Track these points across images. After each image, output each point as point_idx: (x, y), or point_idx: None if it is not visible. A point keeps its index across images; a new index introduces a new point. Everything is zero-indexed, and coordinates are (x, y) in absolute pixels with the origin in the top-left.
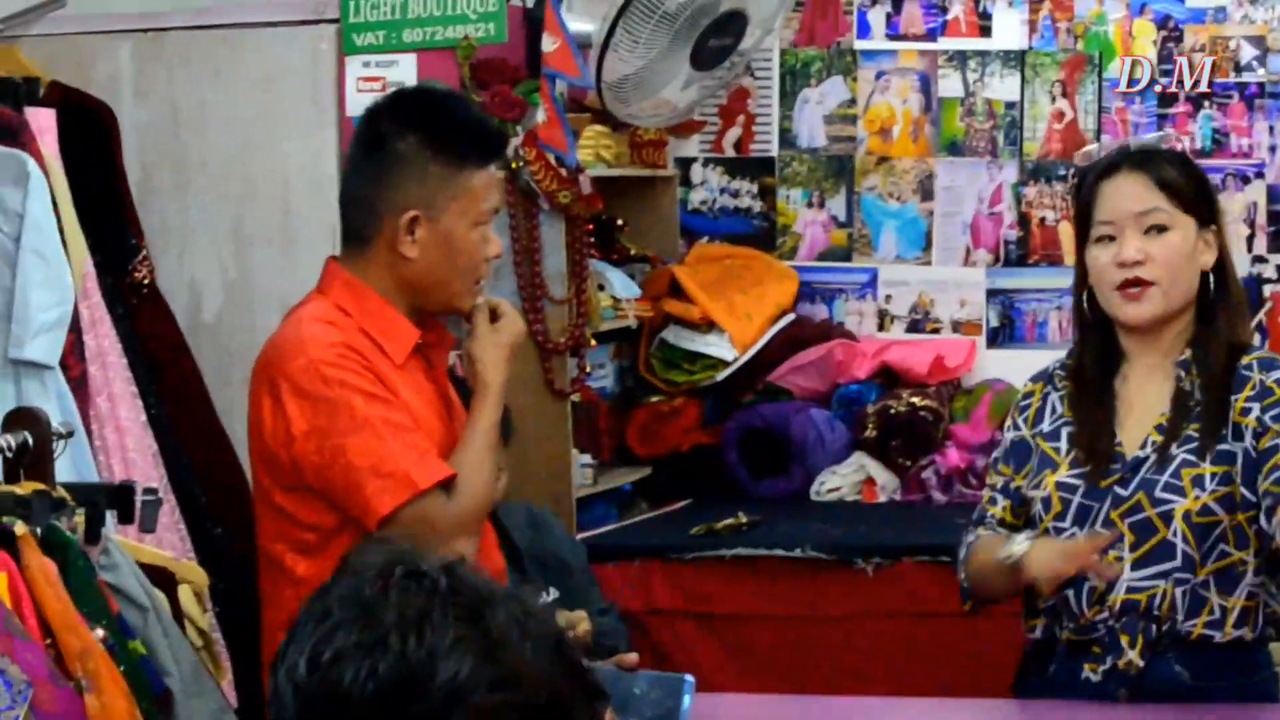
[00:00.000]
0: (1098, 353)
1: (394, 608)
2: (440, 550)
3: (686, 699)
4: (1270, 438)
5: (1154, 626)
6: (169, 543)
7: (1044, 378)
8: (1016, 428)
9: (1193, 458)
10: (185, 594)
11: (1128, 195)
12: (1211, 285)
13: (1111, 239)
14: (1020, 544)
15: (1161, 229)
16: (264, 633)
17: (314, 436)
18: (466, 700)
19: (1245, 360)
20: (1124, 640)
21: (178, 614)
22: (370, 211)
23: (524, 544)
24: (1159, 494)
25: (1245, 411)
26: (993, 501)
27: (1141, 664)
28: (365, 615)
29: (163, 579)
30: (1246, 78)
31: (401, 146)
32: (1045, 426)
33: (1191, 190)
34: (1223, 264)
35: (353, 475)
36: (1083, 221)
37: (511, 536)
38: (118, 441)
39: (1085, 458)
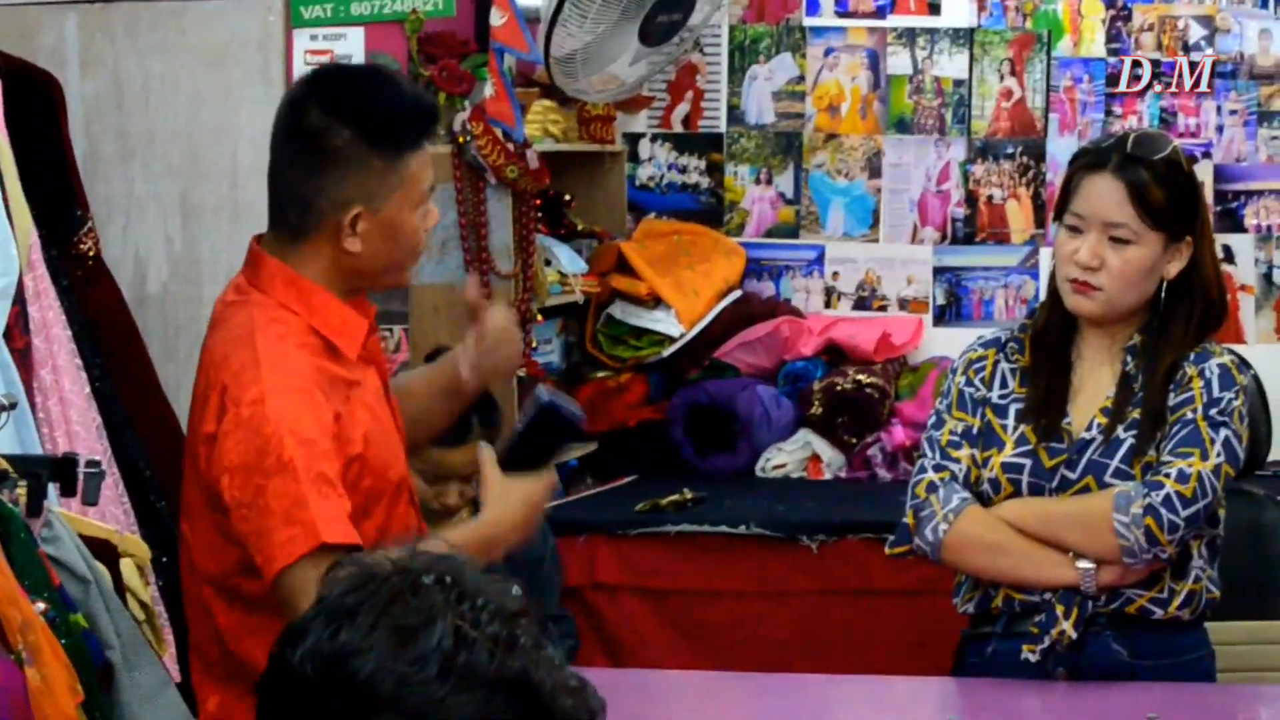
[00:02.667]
0: (1062, 319)
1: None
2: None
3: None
4: (1173, 421)
5: (1090, 601)
6: (112, 516)
7: (995, 345)
8: (970, 384)
9: (1138, 444)
10: (127, 567)
11: (1101, 200)
12: (1164, 295)
13: (1078, 231)
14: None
15: (1124, 242)
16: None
17: (240, 472)
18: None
19: (1190, 354)
20: (1059, 611)
21: (120, 587)
22: (308, 208)
23: None
24: (1108, 479)
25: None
26: (955, 446)
27: (1074, 635)
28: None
29: (105, 552)
30: (1195, 57)
31: (337, 143)
32: (994, 397)
33: (1169, 206)
34: (1191, 272)
35: (266, 519)
36: (1062, 198)
37: None
38: (61, 414)
39: (1033, 426)
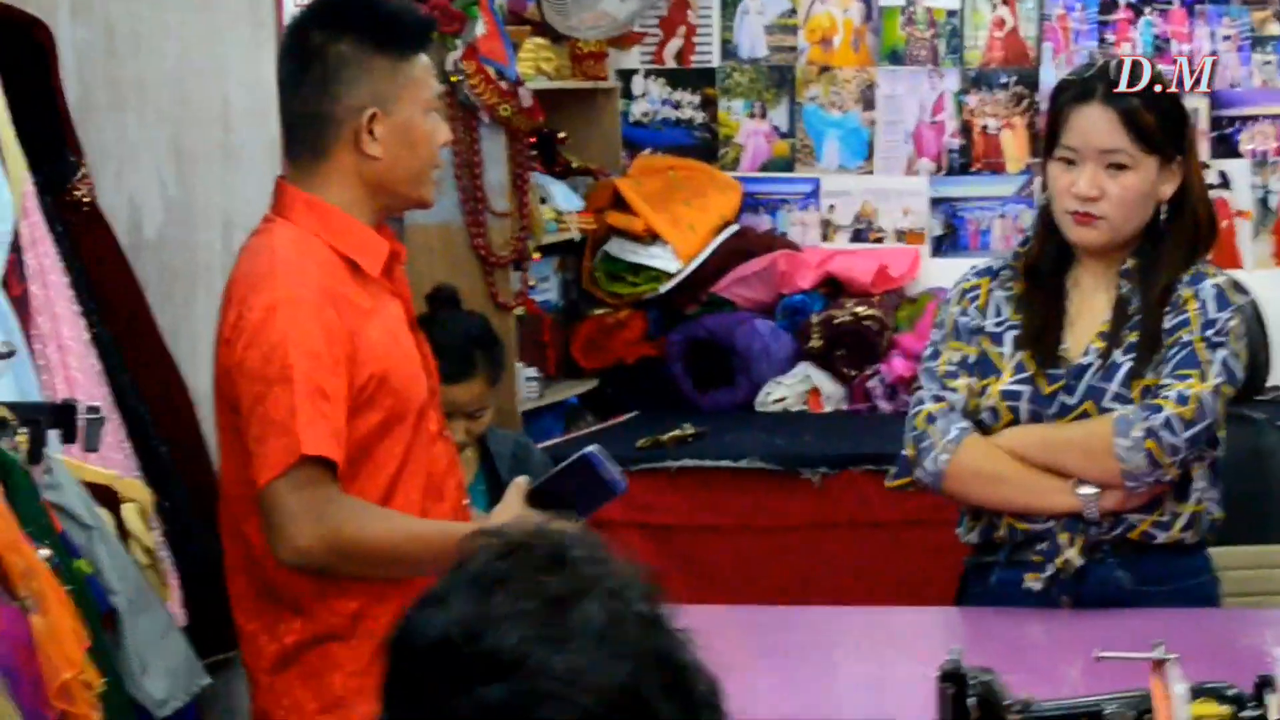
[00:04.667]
0: (1056, 250)
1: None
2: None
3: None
4: (1170, 344)
5: (1093, 527)
6: (114, 461)
7: (989, 274)
8: (965, 313)
9: (1136, 366)
10: (130, 512)
11: (1094, 129)
12: (1163, 214)
13: (1072, 163)
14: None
15: (1121, 167)
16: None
17: (247, 377)
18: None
19: (1183, 276)
20: (1063, 539)
21: (123, 532)
22: (324, 123)
23: (505, 475)
24: (1107, 403)
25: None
26: (953, 375)
27: (1079, 563)
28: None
29: (107, 497)
30: None
31: (342, 49)
32: (989, 325)
33: (1160, 128)
34: (1184, 194)
35: (264, 426)
36: (1051, 133)
37: (496, 466)
38: (60, 360)
39: (1031, 353)
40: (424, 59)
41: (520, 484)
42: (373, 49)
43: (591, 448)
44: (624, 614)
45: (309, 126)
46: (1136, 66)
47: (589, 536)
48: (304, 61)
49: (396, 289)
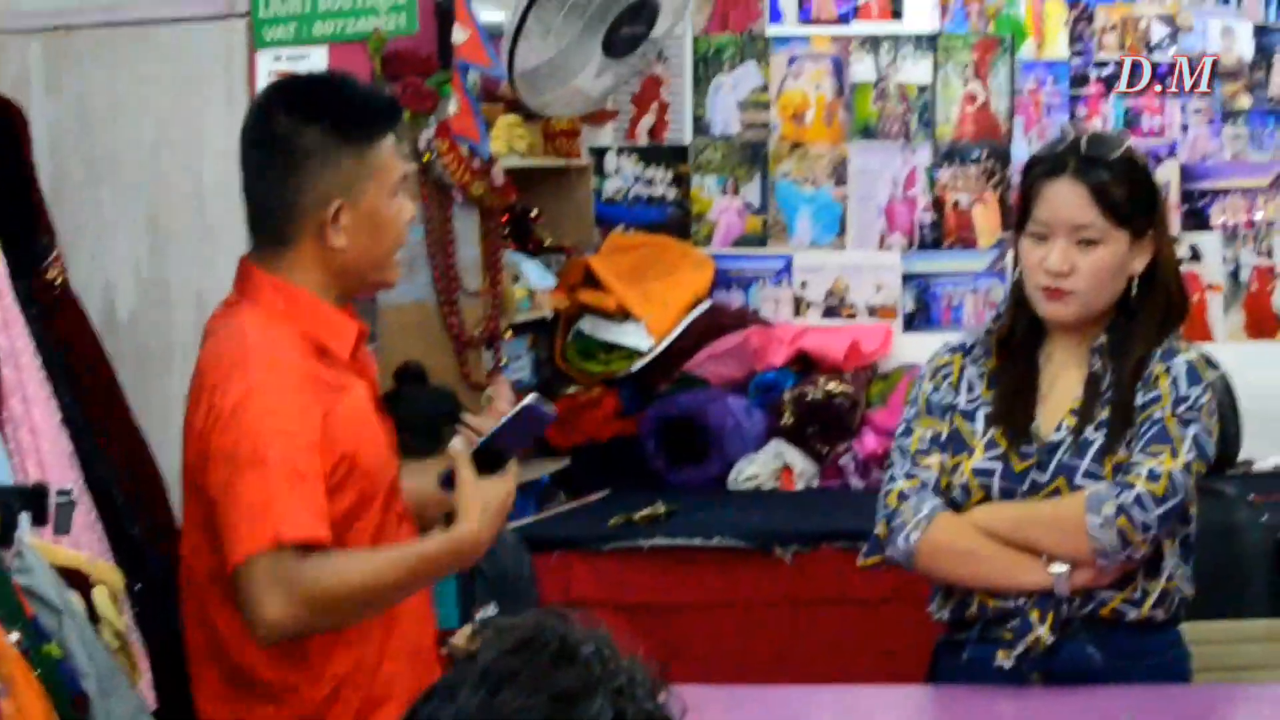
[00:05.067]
0: (1028, 325)
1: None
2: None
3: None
4: (1142, 420)
5: (1065, 605)
6: (86, 543)
7: (962, 350)
8: (937, 390)
9: (1108, 443)
10: (100, 595)
11: (1065, 204)
12: (1134, 289)
13: (1044, 238)
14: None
15: (1092, 242)
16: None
17: (220, 462)
18: None
19: (1155, 352)
20: (1034, 616)
21: (93, 615)
22: (289, 213)
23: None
24: (1079, 480)
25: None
26: (925, 453)
27: (1051, 640)
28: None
29: (78, 580)
30: (1158, 57)
31: (307, 140)
32: (961, 403)
33: (1131, 203)
34: (1156, 268)
35: (235, 511)
36: (1023, 208)
37: None
38: (32, 443)
39: (1002, 430)
40: (389, 141)
41: (461, 453)
42: (338, 139)
43: (530, 397)
44: (630, 712)
45: (273, 214)
46: (1107, 139)
47: (598, 633)
48: (268, 149)
49: (362, 369)
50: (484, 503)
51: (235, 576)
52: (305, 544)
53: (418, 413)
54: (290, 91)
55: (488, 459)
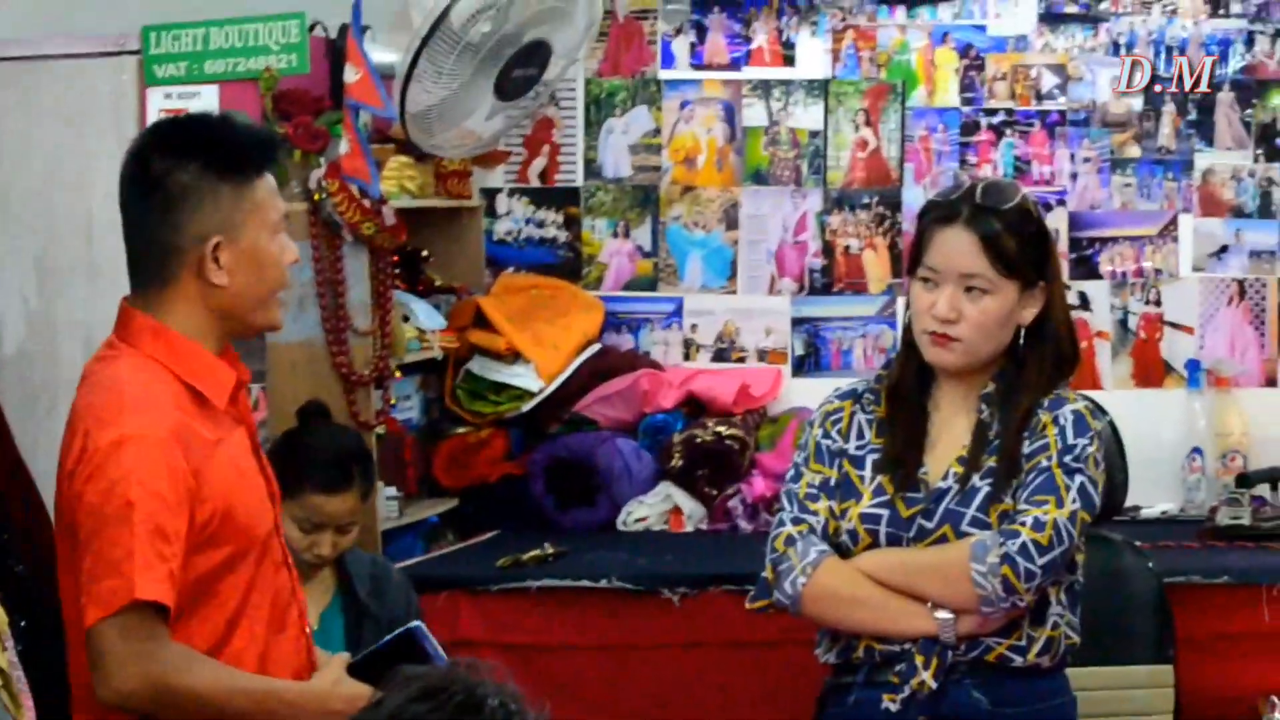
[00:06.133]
0: (917, 370)
1: None
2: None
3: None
4: (1029, 469)
5: (949, 650)
6: None
7: (852, 396)
8: (828, 436)
9: (994, 491)
10: None
11: (955, 252)
12: (1022, 338)
13: (934, 284)
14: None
15: (981, 291)
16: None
17: (87, 512)
18: None
19: (1043, 401)
20: (919, 661)
21: None
22: (168, 251)
23: (363, 596)
24: (965, 528)
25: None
26: (813, 498)
27: (934, 685)
28: None
29: None
30: (1047, 105)
31: (184, 178)
32: (851, 448)
33: (1021, 254)
34: (1046, 318)
35: (97, 564)
36: (915, 252)
37: (355, 588)
38: None
39: (889, 476)
40: (268, 180)
41: (342, 658)
42: (215, 177)
43: (415, 623)
44: None
45: (153, 254)
46: (1001, 189)
47: (507, 687)
48: (145, 189)
49: (241, 415)
50: (345, 684)
51: (90, 636)
52: (155, 605)
53: (325, 450)
54: (167, 131)
55: (364, 675)
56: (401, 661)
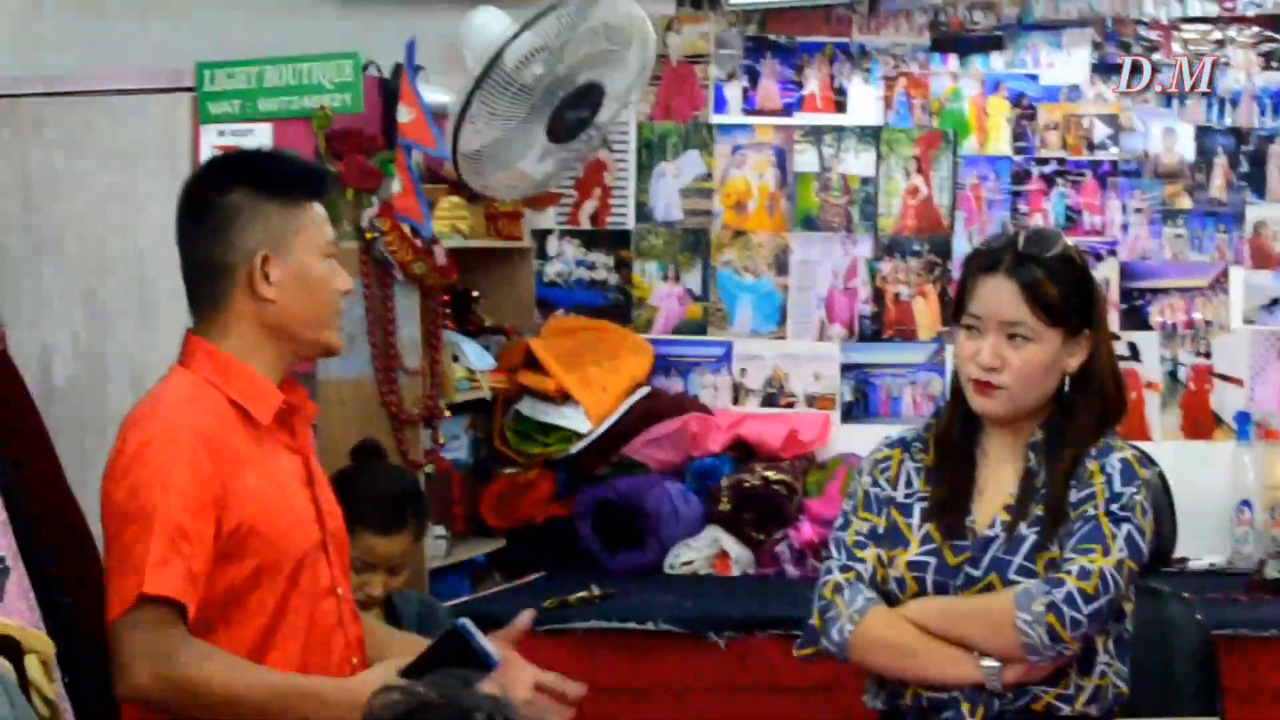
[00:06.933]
0: (964, 418)
1: None
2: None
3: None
4: (1075, 517)
5: (996, 699)
6: (17, 611)
7: (901, 444)
8: (876, 484)
9: (1040, 539)
10: (32, 663)
11: (998, 300)
12: (1067, 385)
13: (978, 331)
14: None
15: (1024, 339)
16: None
17: (113, 511)
18: None
19: (1090, 450)
20: (965, 709)
21: (24, 683)
22: (219, 270)
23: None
24: (1012, 576)
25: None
26: (861, 546)
27: None
28: None
29: (9, 647)
30: (1099, 155)
31: (235, 199)
32: (899, 496)
33: (1064, 302)
34: (1091, 366)
35: (117, 562)
36: (960, 301)
37: (403, 627)
38: None
39: (937, 524)
40: (317, 208)
41: (394, 662)
42: (263, 196)
43: (462, 620)
44: None
45: (206, 276)
46: (1044, 237)
47: (499, 699)
48: (198, 214)
49: (297, 444)
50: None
51: (109, 634)
52: (168, 601)
53: (380, 491)
54: (219, 164)
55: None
56: (453, 662)
